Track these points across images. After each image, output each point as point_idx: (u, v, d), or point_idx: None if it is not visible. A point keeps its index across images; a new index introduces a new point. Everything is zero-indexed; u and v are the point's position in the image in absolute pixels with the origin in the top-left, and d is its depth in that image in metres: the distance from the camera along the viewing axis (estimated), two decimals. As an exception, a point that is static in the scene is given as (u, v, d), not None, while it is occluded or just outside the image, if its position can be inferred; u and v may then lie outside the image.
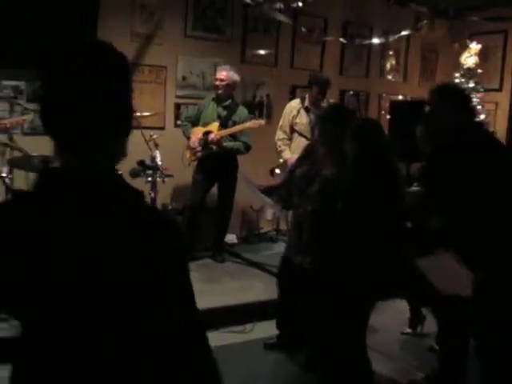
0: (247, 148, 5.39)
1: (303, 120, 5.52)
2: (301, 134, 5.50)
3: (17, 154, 4.48)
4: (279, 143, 5.63)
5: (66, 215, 1.15)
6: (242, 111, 5.50)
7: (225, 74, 5.37)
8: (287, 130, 5.61)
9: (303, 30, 6.37)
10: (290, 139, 5.61)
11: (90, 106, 1.17)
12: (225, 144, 5.29)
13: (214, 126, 5.34)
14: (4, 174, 4.10)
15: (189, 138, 5.44)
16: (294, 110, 5.59)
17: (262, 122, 5.43)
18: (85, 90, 1.17)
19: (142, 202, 1.23)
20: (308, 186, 3.52)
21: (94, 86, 1.17)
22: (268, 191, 4.32)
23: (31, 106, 5.07)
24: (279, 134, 5.65)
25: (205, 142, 5.30)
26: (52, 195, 1.18)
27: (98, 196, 1.17)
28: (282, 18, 5.40)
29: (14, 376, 1.28)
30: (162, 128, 5.89)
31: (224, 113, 5.42)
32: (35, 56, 5.04)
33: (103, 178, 1.21)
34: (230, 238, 6.04)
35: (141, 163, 4.80)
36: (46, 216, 1.16)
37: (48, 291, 1.17)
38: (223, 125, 5.35)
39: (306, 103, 5.54)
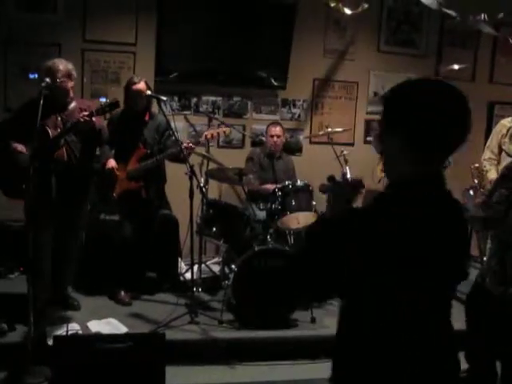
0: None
1: None
2: (509, 155, 5.07)
3: (212, 165, 4.72)
4: (485, 163, 5.25)
5: (441, 204, 1.74)
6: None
7: (418, 91, 5.17)
8: (495, 150, 5.20)
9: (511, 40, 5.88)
10: (498, 160, 5.22)
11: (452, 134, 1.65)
12: None
13: (405, 142, 5.16)
14: (202, 184, 4.33)
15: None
16: (503, 128, 5.18)
17: None
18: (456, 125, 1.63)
19: None
20: (508, 210, 3.27)
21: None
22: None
23: (226, 120, 5.33)
24: (486, 154, 5.27)
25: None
26: (424, 190, 1.70)
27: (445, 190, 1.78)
28: (489, 30, 5.05)
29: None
30: (352, 144, 5.85)
31: (416, 129, 5.22)
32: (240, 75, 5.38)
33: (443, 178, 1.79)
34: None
35: (331, 179, 4.77)
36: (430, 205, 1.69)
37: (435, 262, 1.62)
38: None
39: None
